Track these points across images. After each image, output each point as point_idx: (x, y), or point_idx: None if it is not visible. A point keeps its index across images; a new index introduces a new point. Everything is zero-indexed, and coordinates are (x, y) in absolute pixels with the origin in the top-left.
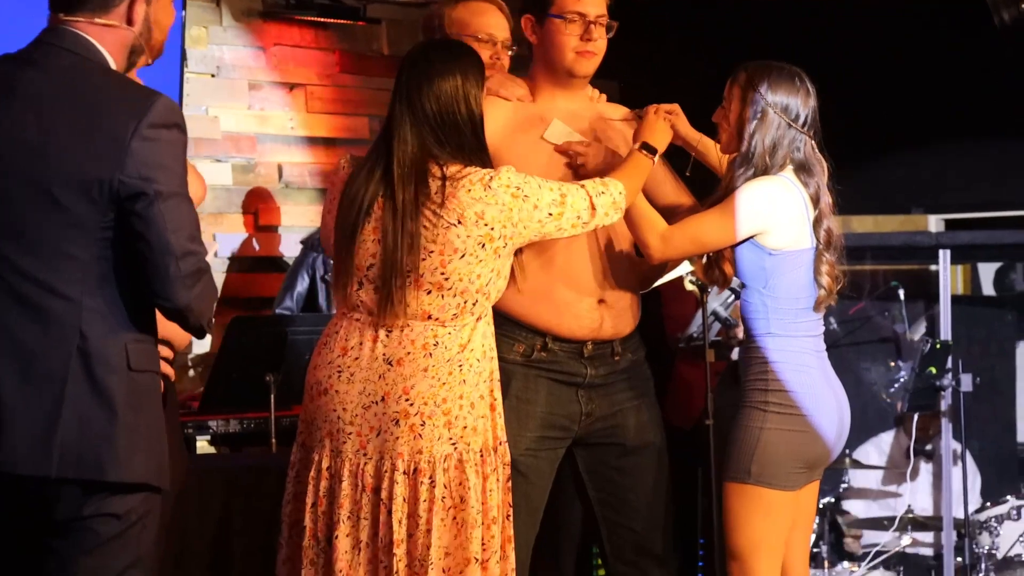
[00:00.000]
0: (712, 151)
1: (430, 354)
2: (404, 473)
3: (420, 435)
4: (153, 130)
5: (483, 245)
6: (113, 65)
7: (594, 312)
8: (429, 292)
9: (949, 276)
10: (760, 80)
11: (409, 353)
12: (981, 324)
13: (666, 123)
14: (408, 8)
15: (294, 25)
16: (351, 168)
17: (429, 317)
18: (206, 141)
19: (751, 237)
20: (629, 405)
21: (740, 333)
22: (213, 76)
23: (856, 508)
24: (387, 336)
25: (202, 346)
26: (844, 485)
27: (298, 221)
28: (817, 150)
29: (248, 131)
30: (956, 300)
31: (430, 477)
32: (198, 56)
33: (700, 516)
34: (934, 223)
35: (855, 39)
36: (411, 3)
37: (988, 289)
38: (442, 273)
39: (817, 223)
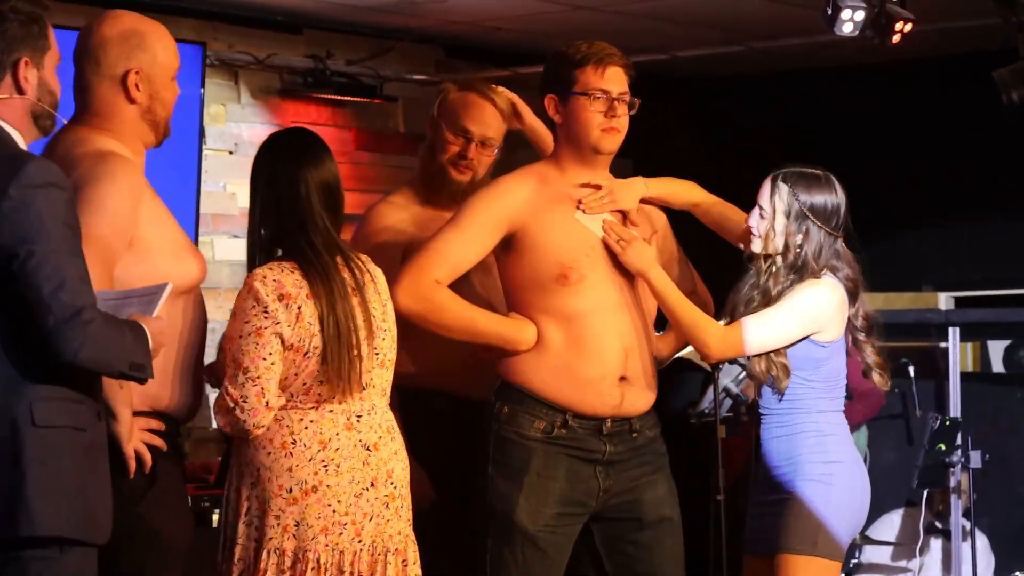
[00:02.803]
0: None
1: (393, 437)
2: (394, 553)
3: (401, 516)
4: (24, 191)
5: None
6: (17, 136)
7: (615, 389)
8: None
9: (959, 353)
10: (799, 189)
11: (380, 437)
12: (990, 401)
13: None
14: (425, 86)
15: (311, 103)
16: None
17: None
18: (224, 217)
19: (805, 337)
20: (645, 480)
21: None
22: (231, 153)
23: None
24: (358, 421)
25: None
26: (855, 560)
27: None
28: (845, 245)
29: None
30: (966, 377)
31: (403, 559)
32: (216, 133)
33: None
34: (944, 300)
35: (865, 117)
36: (427, 81)
37: (998, 366)
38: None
39: (855, 314)
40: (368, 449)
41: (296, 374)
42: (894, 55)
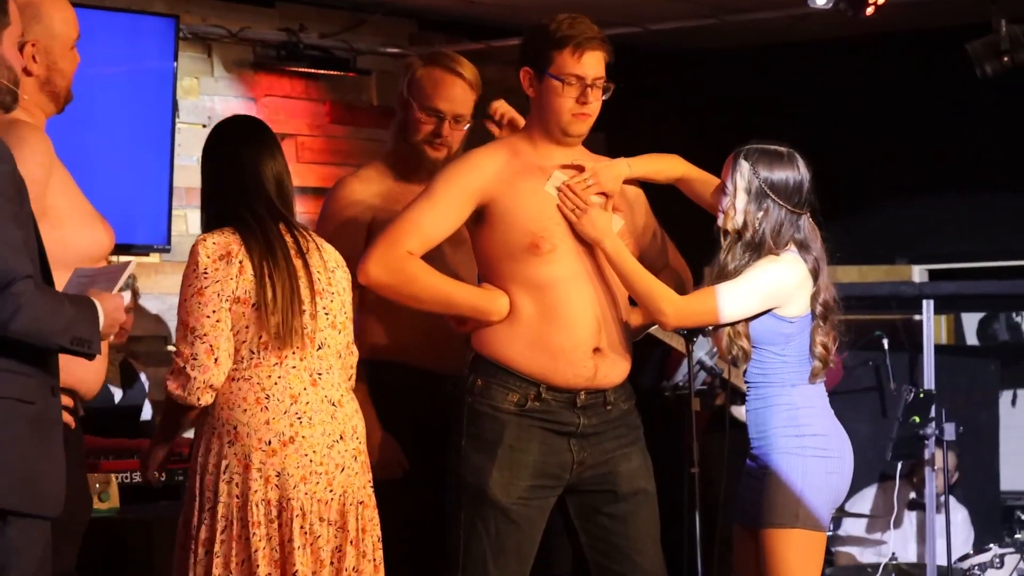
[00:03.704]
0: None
1: (352, 397)
2: (360, 504)
3: (365, 470)
4: None
5: None
6: None
7: (589, 361)
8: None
9: (933, 326)
10: (760, 166)
11: (342, 395)
12: (964, 373)
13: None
14: (398, 59)
15: (285, 76)
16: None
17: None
18: (197, 191)
19: (765, 312)
20: (620, 453)
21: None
22: (204, 126)
23: (841, 556)
24: (320, 379)
25: None
26: (830, 533)
27: None
28: (812, 221)
29: None
30: (939, 350)
31: (367, 511)
32: (189, 107)
33: (686, 561)
34: (918, 273)
35: (839, 90)
36: (401, 54)
37: (971, 339)
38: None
39: (815, 297)
40: (334, 404)
41: (247, 327)
42: (868, 28)
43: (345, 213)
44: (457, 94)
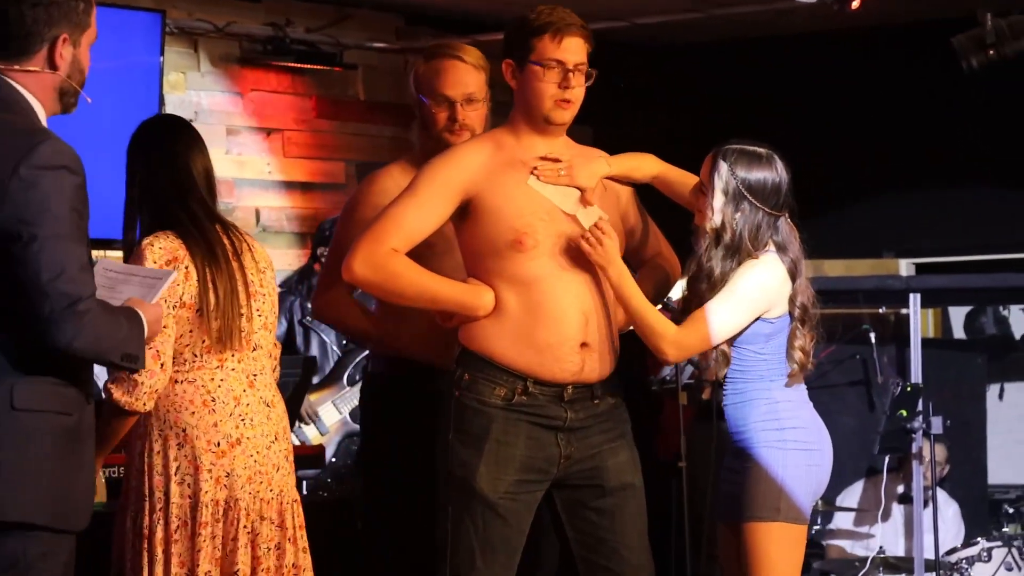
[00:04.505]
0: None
1: (280, 398)
2: (294, 503)
3: (294, 470)
4: (33, 171)
5: None
6: (40, 109)
7: (576, 355)
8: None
9: (920, 320)
10: (738, 167)
11: (274, 396)
12: (951, 367)
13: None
14: (384, 54)
15: (271, 71)
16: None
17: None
18: None
19: (757, 319)
20: (607, 447)
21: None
22: (191, 121)
23: (829, 549)
24: (255, 380)
25: None
26: (817, 527)
27: (275, 265)
28: (790, 223)
29: (226, 176)
30: (927, 343)
31: (299, 509)
32: (176, 101)
33: (673, 553)
34: (905, 267)
35: (826, 85)
36: (387, 49)
37: (959, 332)
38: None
39: (792, 300)
40: (268, 405)
41: (191, 331)
42: (854, 22)
43: (366, 208)
44: (461, 76)
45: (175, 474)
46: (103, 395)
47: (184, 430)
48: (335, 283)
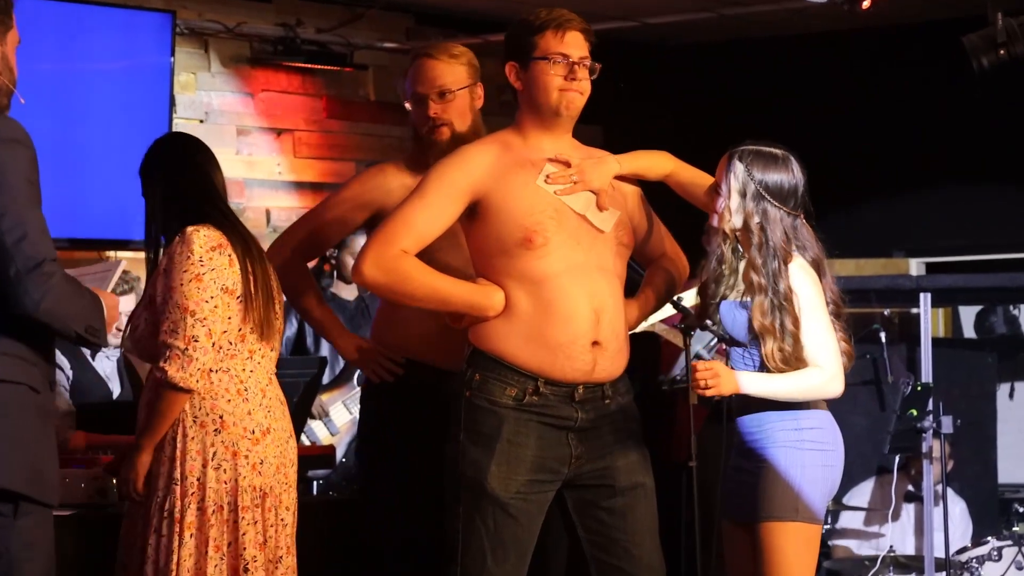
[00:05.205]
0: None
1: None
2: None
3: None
4: None
5: None
6: None
7: (587, 354)
8: None
9: (930, 319)
10: (755, 168)
11: (282, 400)
12: (962, 367)
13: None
14: (394, 54)
15: (281, 71)
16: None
17: None
18: None
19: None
20: (618, 447)
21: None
22: (201, 122)
23: (839, 549)
24: (273, 379)
25: None
26: (827, 526)
27: None
28: (807, 223)
29: (236, 176)
30: (937, 343)
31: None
32: (186, 102)
33: (684, 555)
34: (915, 266)
35: (837, 84)
36: (397, 49)
37: (969, 332)
38: None
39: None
40: (282, 403)
41: (230, 318)
42: (865, 22)
43: (343, 194)
44: (429, 72)
45: (212, 459)
46: (156, 375)
47: (221, 416)
48: (283, 248)
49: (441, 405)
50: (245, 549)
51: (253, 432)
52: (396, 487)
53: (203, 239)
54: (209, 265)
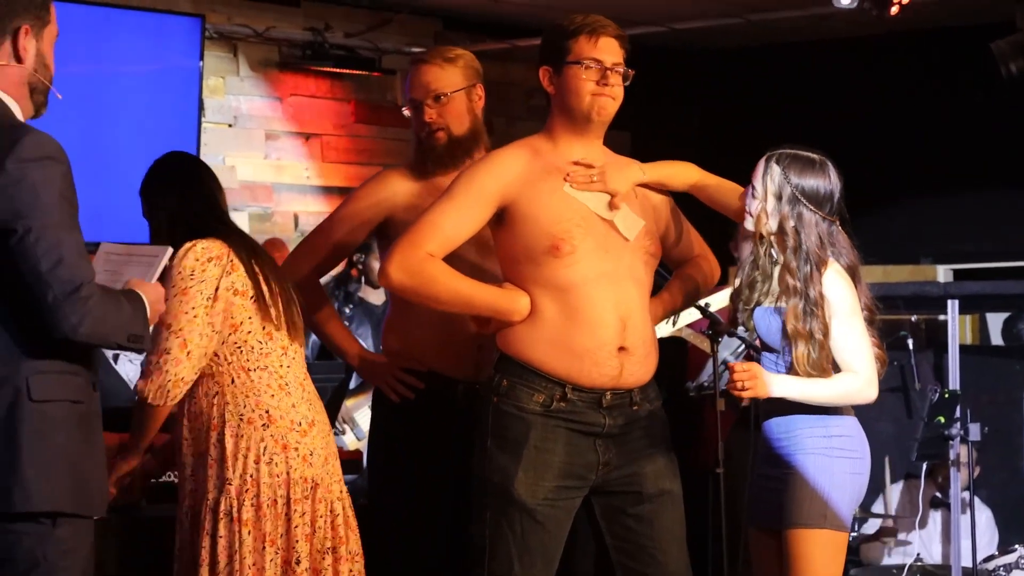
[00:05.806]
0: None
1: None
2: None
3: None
4: (19, 165)
5: None
6: (16, 108)
7: (614, 360)
8: None
9: (958, 326)
10: (791, 172)
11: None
12: (989, 373)
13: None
14: None
15: (310, 76)
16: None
17: None
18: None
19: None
20: (646, 453)
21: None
22: (230, 126)
23: (866, 556)
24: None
25: None
26: (854, 533)
27: None
28: (842, 229)
29: (265, 180)
30: (964, 350)
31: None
32: (215, 106)
33: (711, 562)
34: (943, 273)
35: (864, 89)
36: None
37: (996, 339)
38: None
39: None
40: (319, 398)
41: (250, 318)
42: (892, 27)
43: (348, 205)
44: (422, 77)
45: (263, 454)
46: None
47: (267, 411)
48: (299, 263)
49: (448, 413)
50: (297, 542)
51: (300, 424)
52: (404, 495)
53: (199, 252)
54: (199, 277)
